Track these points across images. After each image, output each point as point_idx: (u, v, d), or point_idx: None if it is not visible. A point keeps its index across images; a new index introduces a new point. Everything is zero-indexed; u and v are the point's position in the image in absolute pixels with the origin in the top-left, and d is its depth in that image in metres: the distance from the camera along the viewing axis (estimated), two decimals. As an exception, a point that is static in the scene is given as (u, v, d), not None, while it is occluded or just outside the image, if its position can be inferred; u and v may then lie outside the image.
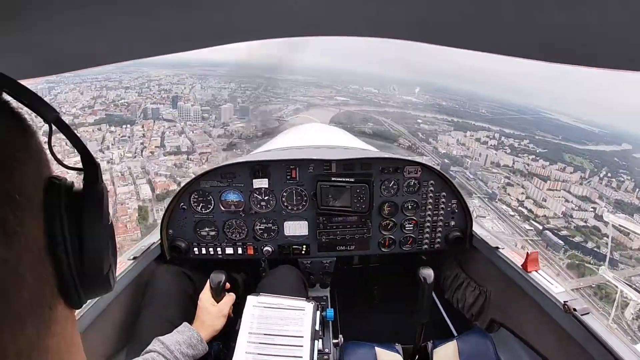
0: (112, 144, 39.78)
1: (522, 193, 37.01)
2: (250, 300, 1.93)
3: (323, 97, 68.43)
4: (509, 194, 37.31)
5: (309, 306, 1.90)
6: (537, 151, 44.28)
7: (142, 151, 39.34)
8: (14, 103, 0.51)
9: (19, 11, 0.62)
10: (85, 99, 48.23)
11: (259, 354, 1.72)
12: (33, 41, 0.75)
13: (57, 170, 0.56)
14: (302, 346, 1.75)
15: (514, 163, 42.07)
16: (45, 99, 0.55)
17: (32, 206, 0.46)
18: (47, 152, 0.54)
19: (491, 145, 46.18)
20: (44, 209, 0.48)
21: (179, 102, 50.15)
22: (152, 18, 0.74)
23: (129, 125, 43.38)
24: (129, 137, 41.48)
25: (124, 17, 0.72)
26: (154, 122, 45.90)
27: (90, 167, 0.58)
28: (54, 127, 0.56)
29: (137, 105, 48.95)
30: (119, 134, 41.54)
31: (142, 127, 44.08)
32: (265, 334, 1.79)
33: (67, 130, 0.57)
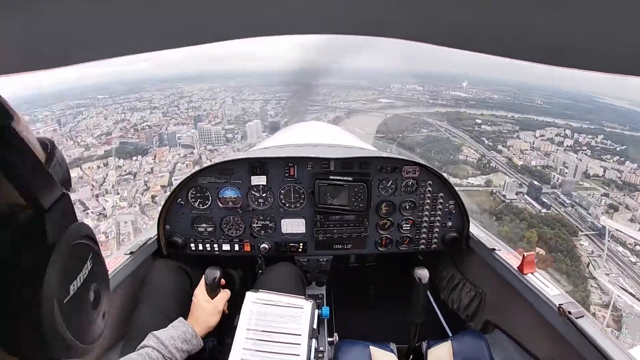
0: (112, 186, 35.58)
1: (631, 219, 29.21)
2: (249, 296, 1.93)
3: (365, 101, 64.75)
4: (616, 225, 24.62)
5: (308, 304, 1.90)
6: (617, 149, 39.11)
7: (142, 194, 34.90)
8: None
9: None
10: (107, 124, 46.67)
11: (256, 350, 1.72)
12: (24, 31, 0.75)
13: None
14: (299, 344, 1.75)
15: (604, 172, 35.92)
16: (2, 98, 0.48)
17: None
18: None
19: (568, 146, 41.18)
20: None
21: (199, 123, 47.90)
22: (153, 10, 0.74)
23: (139, 157, 40.35)
24: (134, 174, 37.42)
25: (123, 8, 0.71)
26: (169, 149, 42.67)
27: (36, 212, 0.48)
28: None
29: (155, 130, 46.45)
30: (125, 170, 37.96)
31: (154, 157, 40.13)
32: (263, 331, 1.79)
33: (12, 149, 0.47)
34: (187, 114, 52.65)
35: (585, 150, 39.92)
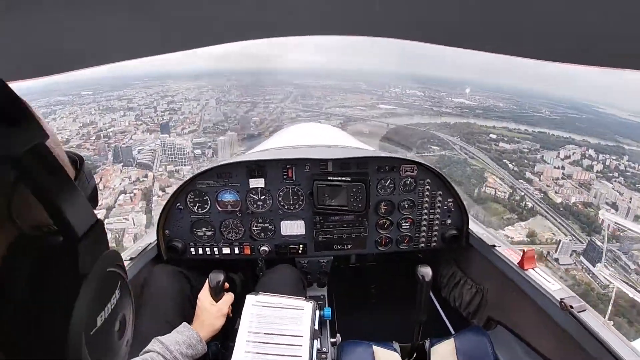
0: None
1: None
2: (250, 299, 1.93)
3: (363, 107, 59.89)
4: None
5: (308, 306, 1.90)
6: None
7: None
8: None
9: (12, 10, 0.59)
10: (73, 128, 40.89)
11: (258, 353, 1.72)
12: (29, 41, 0.75)
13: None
14: (301, 345, 1.75)
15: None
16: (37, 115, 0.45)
17: None
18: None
19: (598, 172, 34.91)
20: None
21: (163, 135, 39.90)
22: (149, 17, 0.74)
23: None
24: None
25: (121, 15, 0.71)
26: (121, 169, 34.82)
27: (67, 241, 0.46)
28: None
29: (119, 137, 40.69)
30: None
31: (100, 179, 30.60)
32: (264, 333, 1.79)
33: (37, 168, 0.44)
34: (161, 117, 47.25)
35: (618, 177, 33.96)
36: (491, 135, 45.05)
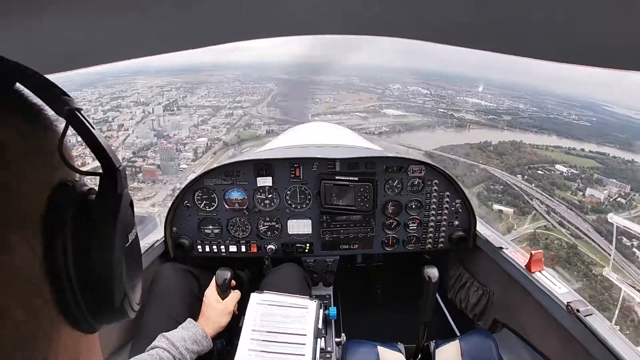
0: None
1: None
2: (254, 297, 1.94)
3: (364, 112, 49.59)
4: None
5: (312, 304, 1.90)
6: None
7: None
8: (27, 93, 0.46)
9: (15, 10, 0.59)
10: None
11: (261, 351, 1.73)
12: (34, 39, 0.76)
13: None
14: (304, 344, 1.75)
15: None
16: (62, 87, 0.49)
17: (30, 220, 0.40)
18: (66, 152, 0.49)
19: None
20: (44, 224, 0.42)
21: None
22: (151, 17, 0.75)
23: None
24: None
25: (123, 14, 0.72)
26: None
27: (108, 171, 0.51)
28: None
29: None
30: None
31: None
32: (268, 332, 1.79)
33: (81, 127, 0.50)
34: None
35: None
36: (558, 168, 30.91)
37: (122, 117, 38.47)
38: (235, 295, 2.13)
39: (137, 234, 0.61)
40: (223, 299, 2.08)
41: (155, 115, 40.39)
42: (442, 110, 49.86)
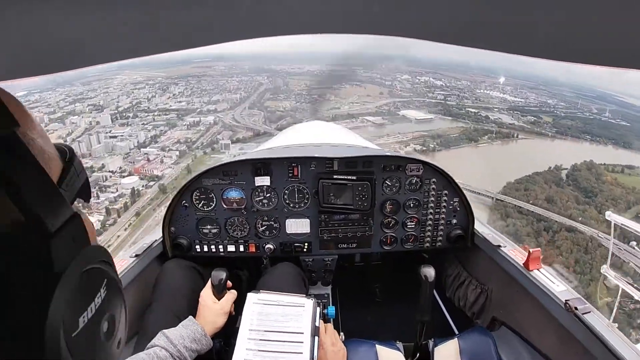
0: None
1: None
2: (251, 297, 1.94)
3: (378, 114, 42.19)
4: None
5: (309, 302, 1.90)
6: None
7: None
8: None
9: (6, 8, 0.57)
10: None
11: (259, 350, 1.73)
12: (23, 39, 0.75)
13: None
14: (302, 342, 1.75)
15: None
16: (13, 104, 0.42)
17: None
18: None
19: None
20: None
21: None
22: (152, 15, 0.74)
23: None
24: None
25: (123, 12, 0.72)
26: None
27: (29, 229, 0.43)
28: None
29: None
30: None
31: None
32: (265, 331, 1.79)
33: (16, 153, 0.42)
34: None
35: None
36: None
37: (61, 132, 34.33)
38: (231, 295, 2.12)
39: (107, 301, 0.53)
40: (219, 299, 2.07)
41: (101, 126, 36.77)
42: (470, 108, 44.11)
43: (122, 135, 35.53)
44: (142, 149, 34.32)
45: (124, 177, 29.88)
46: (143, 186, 29.30)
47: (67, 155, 0.58)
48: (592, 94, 46.68)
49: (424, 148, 36.82)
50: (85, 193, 0.61)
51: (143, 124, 38.92)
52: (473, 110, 44.01)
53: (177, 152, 33.90)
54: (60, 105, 39.42)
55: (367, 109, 45.29)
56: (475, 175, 31.12)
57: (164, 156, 33.78)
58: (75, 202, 0.59)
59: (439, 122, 42.90)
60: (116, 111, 40.73)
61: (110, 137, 35.07)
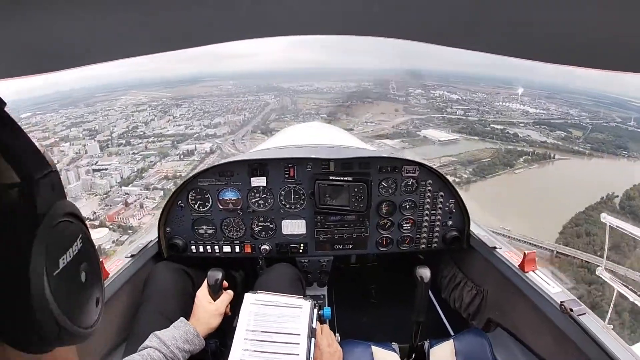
0: None
1: None
2: (248, 297, 1.93)
3: (397, 137, 38.84)
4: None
5: (306, 304, 1.89)
6: None
7: None
8: None
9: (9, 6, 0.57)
10: None
11: (255, 351, 1.72)
12: (26, 36, 0.75)
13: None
14: (298, 344, 1.75)
15: None
16: None
17: None
18: None
19: None
20: None
21: None
22: (148, 14, 0.74)
23: None
24: None
25: (119, 12, 0.71)
26: None
27: (23, 178, 0.46)
28: None
29: None
30: None
31: None
32: (262, 332, 1.78)
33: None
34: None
35: None
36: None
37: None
38: (226, 296, 2.12)
39: (83, 252, 0.55)
40: (215, 299, 2.07)
41: (89, 156, 35.00)
42: (494, 124, 40.08)
43: (106, 170, 33.00)
44: (123, 187, 31.66)
45: (94, 227, 26.39)
46: (113, 242, 25.35)
47: None
48: (607, 100, 44.57)
49: (457, 179, 31.49)
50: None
51: (134, 152, 36.66)
52: (498, 126, 40.26)
53: (162, 192, 29.76)
54: (56, 130, 37.93)
55: (382, 129, 41.60)
56: (526, 216, 26.70)
57: (146, 197, 30.40)
58: None
59: (465, 144, 38.89)
60: (109, 137, 38.58)
61: (94, 170, 32.79)
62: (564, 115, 41.62)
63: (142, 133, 39.89)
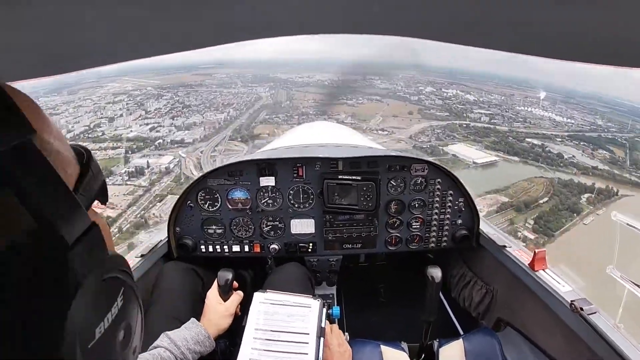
0: None
1: None
2: (257, 297, 1.94)
3: (416, 152, 28.63)
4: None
5: (315, 303, 1.90)
6: None
7: None
8: None
9: (17, 7, 0.57)
10: None
11: (264, 350, 1.73)
12: (34, 39, 0.76)
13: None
14: (307, 343, 1.76)
15: None
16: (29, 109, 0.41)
17: None
18: None
19: None
20: None
21: None
22: (154, 16, 0.75)
23: None
24: None
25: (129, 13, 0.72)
26: None
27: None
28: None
29: None
30: None
31: None
32: (271, 331, 1.79)
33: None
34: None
35: None
36: None
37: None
38: (237, 297, 2.12)
39: (123, 311, 0.51)
40: (225, 300, 2.08)
41: None
42: (530, 138, 34.59)
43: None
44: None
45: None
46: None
47: (84, 157, 0.57)
48: (622, 108, 40.91)
49: (519, 239, 19.28)
50: (102, 195, 0.60)
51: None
52: (535, 141, 34.62)
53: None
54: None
55: (399, 140, 35.40)
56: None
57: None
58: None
59: (505, 166, 32.14)
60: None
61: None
62: (593, 126, 37.24)
63: (99, 135, 34.48)
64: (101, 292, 0.47)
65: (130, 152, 31.64)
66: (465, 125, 37.42)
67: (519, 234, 24.01)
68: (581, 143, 33.92)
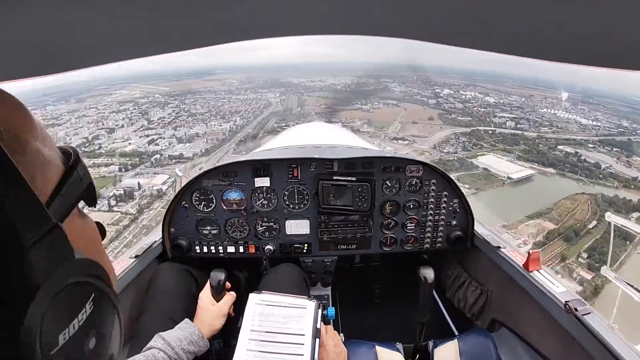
0: None
1: None
2: (252, 298, 1.93)
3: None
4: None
5: (311, 304, 1.90)
6: None
7: None
8: None
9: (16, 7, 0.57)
10: None
11: (260, 351, 1.72)
12: (31, 39, 0.75)
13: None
14: (303, 344, 1.75)
15: None
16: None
17: None
18: None
19: None
20: None
21: None
22: (149, 16, 0.74)
23: None
24: None
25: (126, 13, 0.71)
26: None
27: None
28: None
29: None
30: None
31: None
32: (266, 332, 1.79)
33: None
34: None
35: None
36: None
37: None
38: (229, 297, 2.12)
39: (93, 317, 0.49)
40: (217, 301, 2.07)
41: None
42: (562, 146, 32.40)
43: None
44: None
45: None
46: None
47: (71, 158, 0.56)
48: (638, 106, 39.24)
49: (576, 282, 20.61)
50: (89, 197, 0.58)
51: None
52: (569, 149, 32.52)
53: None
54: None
55: (421, 152, 32.24)
56: None
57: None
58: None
59: (542, 180, 29.47)
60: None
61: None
62: (620, 129, 35.21)
63: (95, 148, 34.15)
64: (65, 297, 0.45)
65: (123, 170, 30.43)
66: (491, 132, 35.25)
67: (574, 274, 21.06)
68: (614, 149, 32.06)
